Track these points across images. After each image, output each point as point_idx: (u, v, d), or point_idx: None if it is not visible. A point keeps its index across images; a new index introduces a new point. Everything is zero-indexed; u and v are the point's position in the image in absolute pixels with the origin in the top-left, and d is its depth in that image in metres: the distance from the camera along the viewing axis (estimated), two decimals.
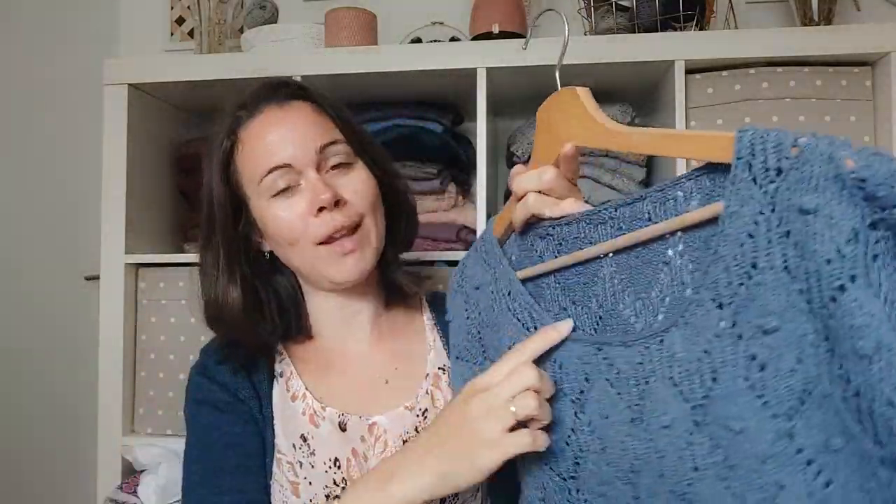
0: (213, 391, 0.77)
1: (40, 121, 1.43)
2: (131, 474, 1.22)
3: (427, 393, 0.79)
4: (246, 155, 0.74)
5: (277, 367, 0.80)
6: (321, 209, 0.71)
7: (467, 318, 0.67)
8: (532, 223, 0.61)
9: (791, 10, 1.27)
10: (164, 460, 1.17)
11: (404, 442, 0.75)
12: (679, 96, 1.13)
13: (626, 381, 0.50)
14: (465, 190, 1.34)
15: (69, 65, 1.50)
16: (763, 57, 1.12)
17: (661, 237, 0.49)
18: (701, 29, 1.22)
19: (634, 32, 1.22)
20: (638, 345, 0.49)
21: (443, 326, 0.84)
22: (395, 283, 0.83)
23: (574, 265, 0.57)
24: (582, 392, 0.54)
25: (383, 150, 0.83)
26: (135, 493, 1.16)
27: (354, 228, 0.73)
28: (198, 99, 1.36)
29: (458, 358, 0.68)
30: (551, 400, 0.57)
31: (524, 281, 0.61)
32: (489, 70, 1.17)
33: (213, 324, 0.79)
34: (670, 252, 0.49)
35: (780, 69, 1.13)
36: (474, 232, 1.24)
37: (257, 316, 0.78)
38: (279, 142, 0.72)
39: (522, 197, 0.60)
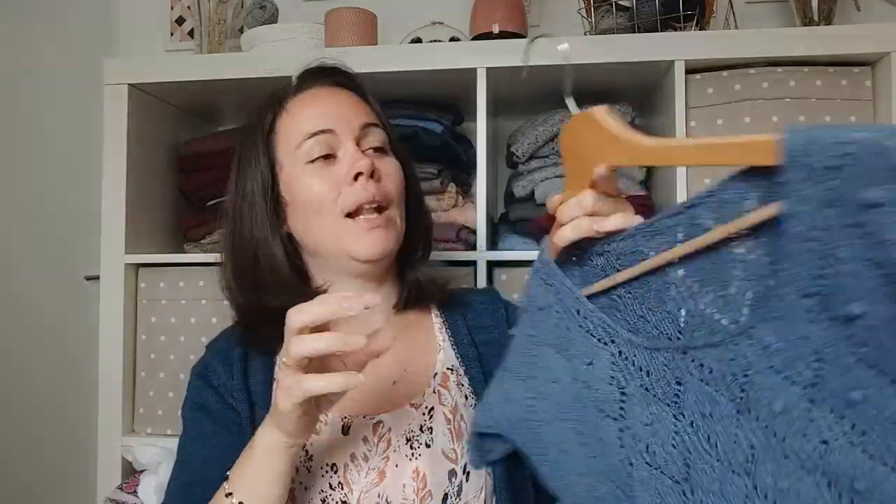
0: (208, 395, 0.76)
1: (40, 121, 1.43)
2: (131, 474, 1.22)
3: (434, 392, 0.78)
4: (289, 122, 0.77)
5: (278, 371, 0.79)
6: (358, 175, 0.73)
7: (527, 335, 0.67)
8: (586, 244, 0.61)
9: (791, 10, 1.27)
10: (163, 460, 1.17)
11: (407, 440, 0.74)
12: (679, 96, 1.13)
13: (721, 378, 0.52)
14: (465, 190, 1.34)
15: (69, 65, 1.50)
16: (763, 57, 1.12)
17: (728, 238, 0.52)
18: (701, 29, 1.22)
19: (634, 32, 1.22)
20: (726, 343, 0.50)
21: (451, 327, 0.84)
22: (417, 282, 0.83)
23: (641, 275, 0.58)
24: (677, 395, 0.55)
25: (408, 156, 0.85)
26: (135, 493, 1.16)
27: (383, 209, 0.75)
28: (198, 99, 1.36)
29: (506, 370, 0.68)
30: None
31: (591, 297, 0.61)
32: (489, 70, 1.17)
33: (252, 290, 0.78)
34: (742, 249, 0.51)
35: (780, 69, 1.13)
36: (474, 232, 1.24)
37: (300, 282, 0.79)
38: (323, 111, 0.76)
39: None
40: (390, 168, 0.78)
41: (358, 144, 0.76)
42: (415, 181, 0.85)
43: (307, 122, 0.76)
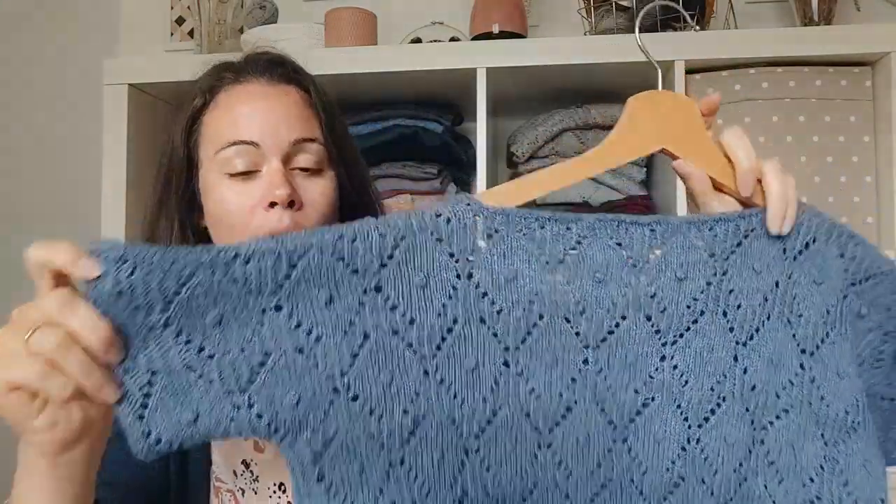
0: None
1: (40, 121, 1.43)
2: None
3: None
4: (215, 117, 0.68)
5: None
6: (273, 204, 0.63)
7: None
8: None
9: (791, 10, 1.27)
10: None
11: None
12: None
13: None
14: (465, 190, 1.34)
15: (69, 65, 1.50)
16: (763, 57, 1.12)
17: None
18: (701, 29, 1.22)
19: (634, 32, 1.22)
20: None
21: None
22: None
23: None
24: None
25: (360, 159, 0.77)
26: None
27: None
28: None
29: None
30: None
31: None
32: (489, 70, 1.17)
33: None
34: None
35: (780, 69, 1.13)
36: None
37: None
38: (253, 117, 0.66)
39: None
40: (316, 192, 0.67)
41: (287, 161, 0.66)
42: (359, 191, 0.74)
43: (232, 126, 0.66)
